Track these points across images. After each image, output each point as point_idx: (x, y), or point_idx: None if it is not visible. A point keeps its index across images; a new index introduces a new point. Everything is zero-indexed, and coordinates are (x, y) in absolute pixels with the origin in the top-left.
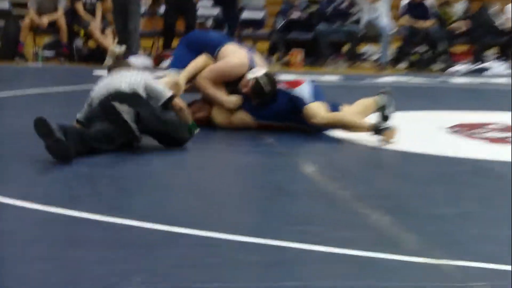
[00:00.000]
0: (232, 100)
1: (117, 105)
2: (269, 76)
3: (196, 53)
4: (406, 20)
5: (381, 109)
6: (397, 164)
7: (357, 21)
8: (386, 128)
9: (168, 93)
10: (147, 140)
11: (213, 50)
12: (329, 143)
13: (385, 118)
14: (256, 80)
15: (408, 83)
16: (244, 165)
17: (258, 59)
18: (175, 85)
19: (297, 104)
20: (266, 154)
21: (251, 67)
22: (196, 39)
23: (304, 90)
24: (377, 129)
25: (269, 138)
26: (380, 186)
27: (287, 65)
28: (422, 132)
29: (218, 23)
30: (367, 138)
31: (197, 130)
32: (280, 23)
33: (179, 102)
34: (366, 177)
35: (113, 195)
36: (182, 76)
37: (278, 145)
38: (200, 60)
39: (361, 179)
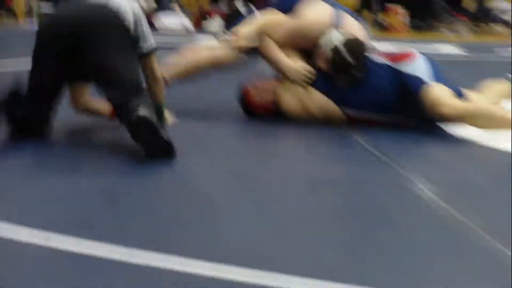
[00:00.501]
0: (297, 67)
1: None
2: (353, 42)
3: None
4: None
5: None
6: None
7: None
8: None
9: (154, 45)
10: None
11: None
12: (454, 147)
13: None
14: (335, 48)
15: None
16: (330, 180)
17: (350, 20)
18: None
19: (411, 85)
20: (359, 163)
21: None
22: None
23: (419, 66)
24: None
25: (361, 136)
26: None
27: (384, 28)
28: None
29: None
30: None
31: (167, 117)
32: None
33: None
34: None
35: (143, 223)
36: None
37: (375, 148)
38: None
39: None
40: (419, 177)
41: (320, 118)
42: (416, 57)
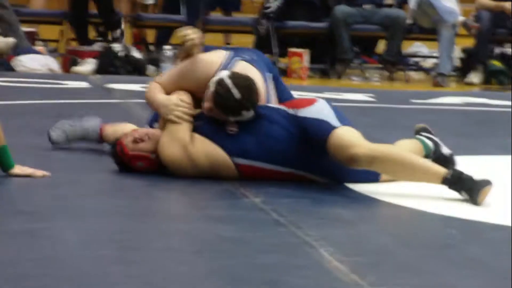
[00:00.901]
0: (169, 100)
1: None
2: (241, 76)
3: None
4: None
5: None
6: None
7: (400, 3)
8: (478, 183)
9: None
10: None
11: None
12: (356, 205)
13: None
14: (220, 80)
15: (483, 108)
16: (219, 243)
17: (248, 67)
18: None
19: (317, 130)
20: (252, 224)
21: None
22: None
23: (323, 109)
24: (458, 180)
25: (255, 194)
26: None
27: (284, 73)
28: None
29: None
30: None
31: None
32: (272, 2)
33: None
34: None
35: None
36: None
37: (273, 209)
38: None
39: None
40: (319, 239)
41: (207, 171)
42: (317, 101)
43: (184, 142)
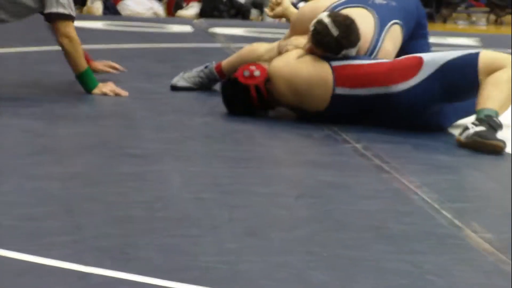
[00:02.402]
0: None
1: None
2: (341, 16)
3: None
4: None
5: None
6: None
7: None
8: None
9: (65, 11)
10: None
11: None
12: (455, 152)
13: None
14: (319, 20)
15: None
16: (326, 188)
17: (356, 11)
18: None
19: (460, 62)
20: (357, 171)
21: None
22: None
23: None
24: None
25: (356, 140)
26: None
27: None
28: None
29: None
30: None
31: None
32: None
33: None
34: None
35: None
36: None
37: (375, 155)
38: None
39: None
40: (422, 185)
41: (305, 81)
42: (422, 58)
43: (291, 57)
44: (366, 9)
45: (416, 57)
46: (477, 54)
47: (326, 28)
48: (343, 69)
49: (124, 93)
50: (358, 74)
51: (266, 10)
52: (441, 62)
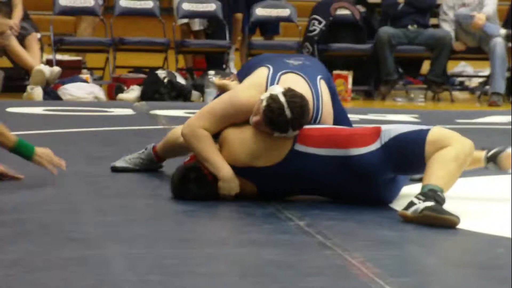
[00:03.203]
0: (235, 181)
1: None
2: (294, 95)
3: None
4: None
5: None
6: None
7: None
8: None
9: None
10: None
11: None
12: (412, 227)
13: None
14: (274, 97)
15: None
16: (268, 267)
17: (294, 79)
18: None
19: (411, 139)
20: (303, 250)
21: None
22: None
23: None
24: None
25: (299, 218)
26: None
27: None
28: None
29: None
30: None
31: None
32: (316, 25)
33: None
34: None
35: None
36: None
37: (318, 232)
38: None
39: None
40: (365, 261)
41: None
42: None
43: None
44: (295, 73)
45: (375, 127)
46: (427, 130)
47: (281, 108)
48: (308, 129)
49: (61, 162)
50: (321, 135)
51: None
52: (395, 134)
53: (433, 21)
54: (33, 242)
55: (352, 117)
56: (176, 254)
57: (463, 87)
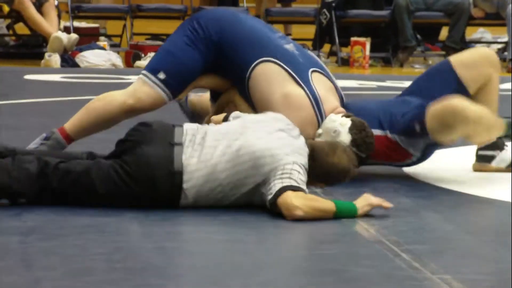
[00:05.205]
0: None
1: None
2: (360, 128)
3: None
4: None
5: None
6: None
7: None
8: None
9: None
10: None
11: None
12: (427, 194)
13: None
14: (343, 149)
15: None
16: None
17: (322, 83)
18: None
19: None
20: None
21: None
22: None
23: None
24: None
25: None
26: None
27: (346, 62)
28: None
29: None
30: None
31: None
32: None
33: None
34: None
35: None
36: None
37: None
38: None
39: None
40: (381, 228)
41: None
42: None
43: None
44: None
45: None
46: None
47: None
48: None
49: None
50: None
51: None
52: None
53: None
54: (49, 210)
55: (370, 84)
56: (192, 221)
57: None
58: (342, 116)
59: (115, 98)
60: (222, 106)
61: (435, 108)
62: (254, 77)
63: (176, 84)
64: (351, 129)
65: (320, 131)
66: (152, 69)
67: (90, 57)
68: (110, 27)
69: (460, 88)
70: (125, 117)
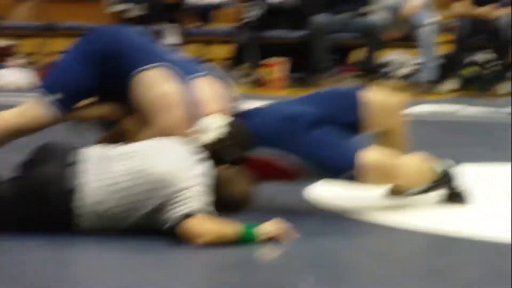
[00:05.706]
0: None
1: None
2: (233, 126)
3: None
4: (462, 6)
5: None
6: None
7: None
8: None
9: None
10: None
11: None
12: (328, 219)
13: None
14: (219, 140)
15: (458, 116)
16: None
17: (207, 87)
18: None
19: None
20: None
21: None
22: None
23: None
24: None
25: None
26: None
27: (260, 84)
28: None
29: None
30: None
31: None
32: (251, 12)
33: None
34: None
35: None
36: None
37: None
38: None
39: None
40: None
41: None
42: None
43: None
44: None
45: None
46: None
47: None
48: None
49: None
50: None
51: None
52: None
53: (366, 9)
54: None
55: None
56: (87, 246)
57: (395, 76)
58: (220, 117)
59: (3, 118)
60: (118, 134)
61: (364, 167)
62: (135, 85)
63: (67, 102)
64: (221, 128)
65: (192, 129)
66: (44, 87)
67: (6, 76)
68: (26, 44)
69: (357, 122)
70: (14, 138)
